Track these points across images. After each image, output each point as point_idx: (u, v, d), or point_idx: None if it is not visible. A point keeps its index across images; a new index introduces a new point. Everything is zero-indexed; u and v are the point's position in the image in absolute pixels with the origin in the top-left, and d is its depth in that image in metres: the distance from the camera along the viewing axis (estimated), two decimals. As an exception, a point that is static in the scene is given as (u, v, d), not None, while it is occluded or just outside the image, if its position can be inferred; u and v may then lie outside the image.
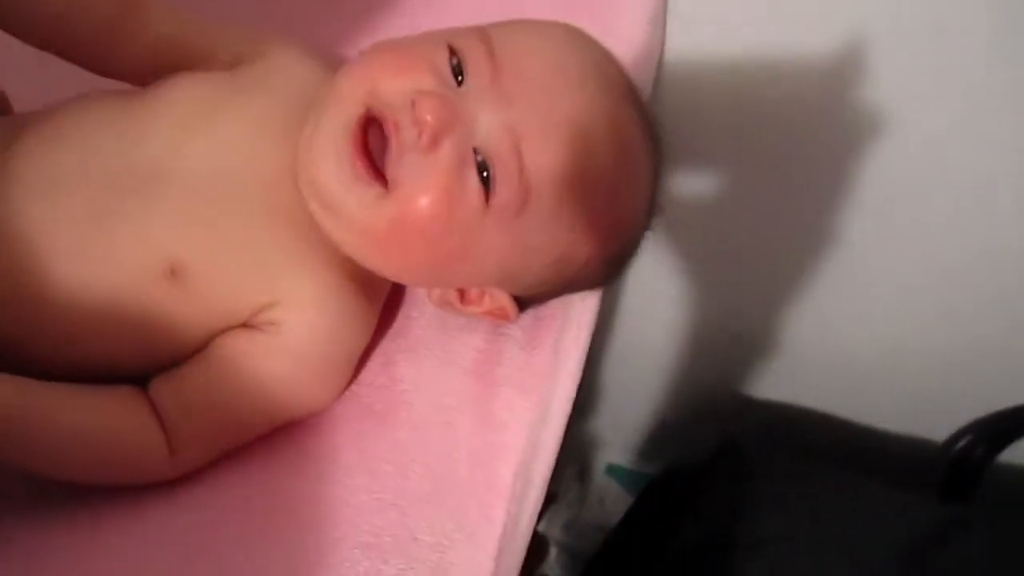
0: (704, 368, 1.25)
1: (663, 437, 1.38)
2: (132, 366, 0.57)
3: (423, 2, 0.77)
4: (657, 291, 1.13)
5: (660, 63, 0.80)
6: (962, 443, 1.10)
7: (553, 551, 1.36)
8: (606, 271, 0.61)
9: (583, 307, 0.64)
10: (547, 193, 0.54)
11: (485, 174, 0.53)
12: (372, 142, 0.54)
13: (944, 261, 0.96)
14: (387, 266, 0.58)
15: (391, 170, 0.53)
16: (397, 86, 0.54)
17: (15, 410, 0.51)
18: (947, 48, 0.78)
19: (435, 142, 0.52)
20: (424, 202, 0.53)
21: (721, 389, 1.26)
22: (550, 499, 1.01)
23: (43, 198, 0.55)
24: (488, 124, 0.53)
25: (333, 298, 0.58)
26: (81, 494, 0.56)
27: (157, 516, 0.56)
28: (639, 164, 0.58)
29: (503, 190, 0.53)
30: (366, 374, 0.61)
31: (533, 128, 0.53)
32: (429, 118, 0.52)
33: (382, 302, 0.63)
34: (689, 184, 0.98)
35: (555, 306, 0.63)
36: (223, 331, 0.57)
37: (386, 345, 0.63)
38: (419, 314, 0.64)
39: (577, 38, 0.59)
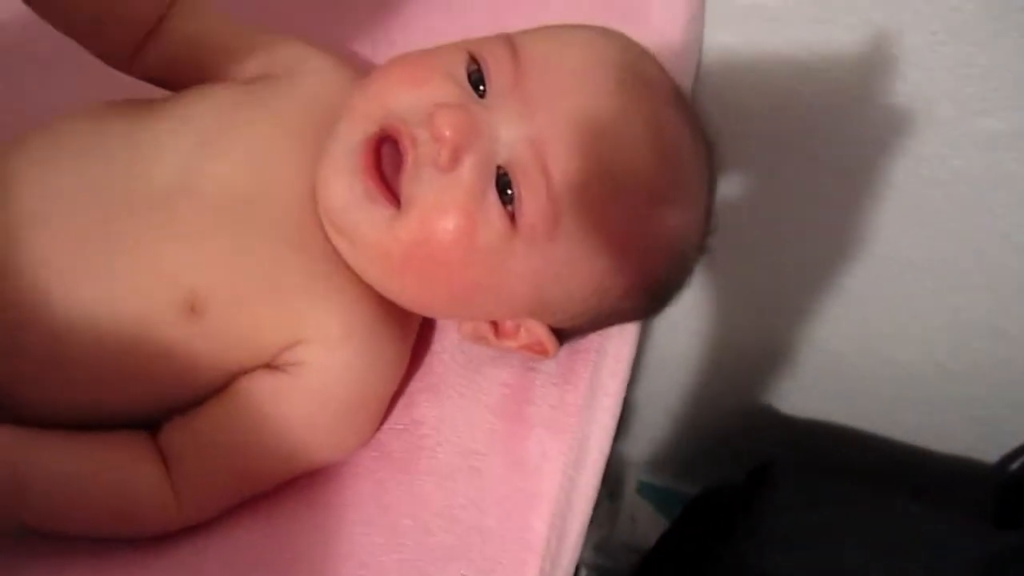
0: (738, 384, 1.22)
1: (696, 455, 1.36)
2: (143, 412, 0.52)
3: (443, 6, 0.71)
4: (689, 304, 1.09)
5: (699, 65, 0.75)
6: (1016, 464, 1.06)
7: (583, 572, 1.34)
8: (651, 300, 0.55)
9: (622, 338, 0.59)
10: (579, 211, 0.49)
11: (509, 192, 0.48)
12: (388, 163, 0.50)
13: (994, 272, 0.93)
14: (407, 297, 0.53)
15: (405, 187, 0.49)
16: (413, 99, 0.50)
17: (7, 466, 0.48)
18: (990, 48, 0.74)
19: (455, 159, 0.48)
20: (443, 225, 0.48)
21: (755, 406, 1.24)
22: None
23: (44, 226, 0.50)
24: (512, 138, 0.49)
25: (363, 336, 0.53)
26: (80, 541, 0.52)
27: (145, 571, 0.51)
28: (687, 175, 0.53)
29: (530, 210, 0.48)
30: (386, 417, 0.57)
31: (560, 138, 0.48)
32: (448, 132, 0.47)
33: (413, 338, 0.58)
34: (721, 192, 0.94)
35: (591, 337, 0.59)
36: (243, 372, 0.52)
37: (406, 383, 0.58)
38: (441, 348, 0.59)
39: (612, 39, 0.54)
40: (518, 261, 0.50)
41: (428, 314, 0.57)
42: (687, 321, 1.13)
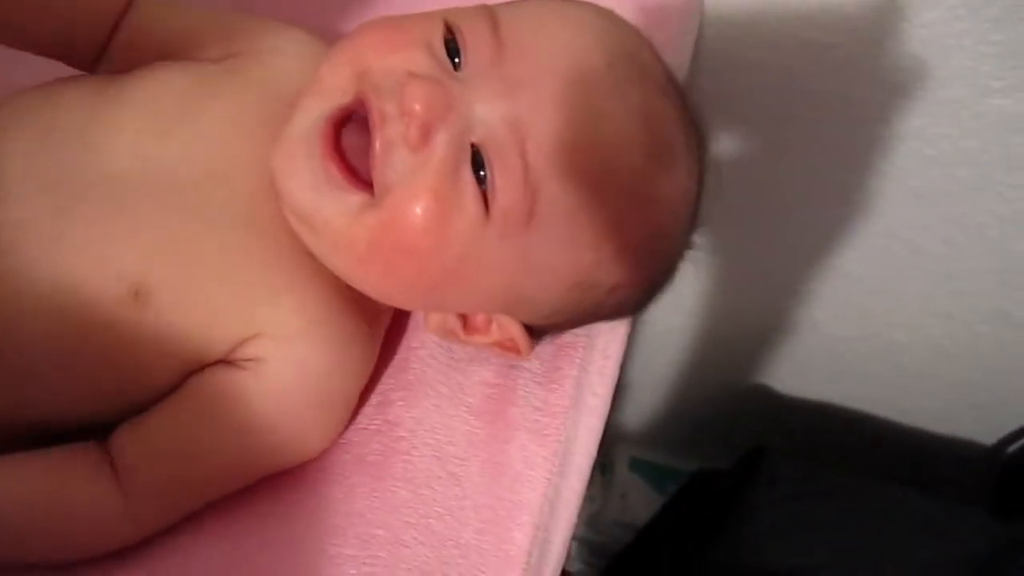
0: (731, 362, 1.22)
1: (689, 432, 1.35)
2: (91, 413, 0.49)
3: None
4: (686, 281, 1.06)
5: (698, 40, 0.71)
6: (1014, 447, 1.04)
7: (574, 545, 1.33)
8: (637, 298, 0.52)
9: (611, 333, 0.55)
10: (559, 200, 0.45)
11: (483, 173, 0.45)
12: (350, 141, 0.47)
13: (1002, 256, 0.91)
14: (371, 285, 0.50)
15: (379, 174, 0.45)
16: (386, 65, 0.46)
17: None
18: (1007, 26, 0.71)
19: (425, 136, 0.44)
20: (412, 211, 0.45)
21: (750, 386, 1.23)
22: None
23: None
24: (487, 115, 0.45)
25: (325, 328, 0.50)
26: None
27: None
28: (676, 167, 0.49)
29: (505, 195, 0.45)
30: (358, 417, 0.53)
31: (542, 122, 0.45)
32: (418, 107, 0.44)
33: (383, 331, 0.55)
34: (720, 168, 0.91)
35: (578, 331, 0.55)
36: (198, 368, 0.49)
37: (380, 381, 0.54)
38: (419, 343, 0.56)
39: (604, 18, 0.50)
40: (491, 250, 0.46)
41: (393, 304, 0.54)
42: (683, 299, 1.11)
